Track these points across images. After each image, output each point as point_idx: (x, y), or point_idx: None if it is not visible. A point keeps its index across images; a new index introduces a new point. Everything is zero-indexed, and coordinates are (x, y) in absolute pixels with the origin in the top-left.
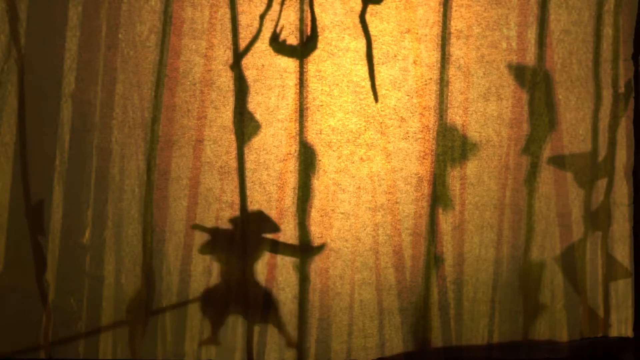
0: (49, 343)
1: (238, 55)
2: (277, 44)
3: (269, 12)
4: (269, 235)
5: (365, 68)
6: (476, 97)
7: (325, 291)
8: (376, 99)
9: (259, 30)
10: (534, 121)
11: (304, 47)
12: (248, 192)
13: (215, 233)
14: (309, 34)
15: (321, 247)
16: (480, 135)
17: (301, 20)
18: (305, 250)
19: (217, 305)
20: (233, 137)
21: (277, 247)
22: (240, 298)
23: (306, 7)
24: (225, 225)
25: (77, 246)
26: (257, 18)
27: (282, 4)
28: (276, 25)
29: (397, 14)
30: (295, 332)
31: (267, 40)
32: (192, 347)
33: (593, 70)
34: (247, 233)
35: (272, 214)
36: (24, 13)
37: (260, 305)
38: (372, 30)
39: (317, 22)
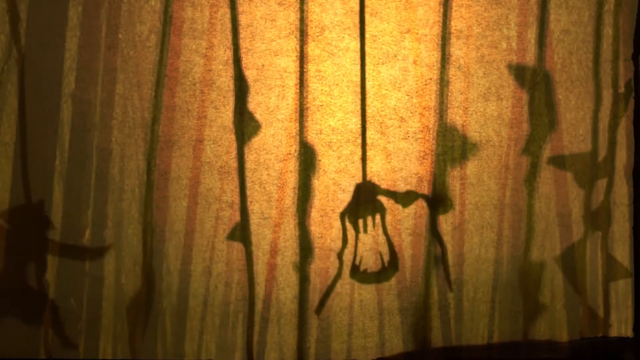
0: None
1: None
2: (360, 275)
3: (347, 248)
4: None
5: (365, 68)
6: (476, 97)
7: (325, 291)
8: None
9: (340, 270)
10: (534, 121)
11: (385, 271)
12: (248, 192)
13: None
14: (387, 258)
15: (101, 251)
16: (480, 135)
17: (301, 20)
18: (85, 251)
19: None
20: (233, 137)
21: (55, 249)
22: (16, 301)
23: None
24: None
25: (77, 246)
26: (257, 18)
27: (357, 239)
28: (354, 258)
29: (397, 14)
30: (296, 332)
31: (267, 41)
32: (192, 347)
33: (593, 70)
34: (18, 231)
35: (272, 213)
36: (24, 13)
37: (36, 307)
38: (372, 30)
39: (318, 23)
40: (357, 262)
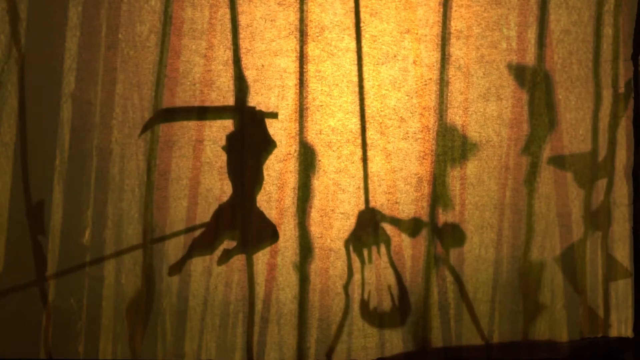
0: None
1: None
2: (369, 314)
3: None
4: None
5: (365, 68)
6: (476, 97)
7: (325, 291)
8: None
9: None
10: (534, 121)
11: (399, 312)
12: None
13: None
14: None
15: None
16: (480, 135)
17: (301, 20)
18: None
19: None
20: None
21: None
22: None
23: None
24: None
25: (77, 246)
26: (257, 18)
27: (362, 270)
28: (362, 293)
29: (396, 14)
30: (296, 332)
31: (267, 41)
32: (192, 347)
33: (593, 71)
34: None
35: (272, 214)
36: (24, 13)
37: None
38: (372, 31)
39: (318, 23)
40: (365, 297)
